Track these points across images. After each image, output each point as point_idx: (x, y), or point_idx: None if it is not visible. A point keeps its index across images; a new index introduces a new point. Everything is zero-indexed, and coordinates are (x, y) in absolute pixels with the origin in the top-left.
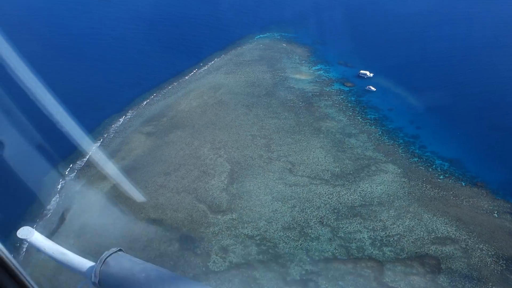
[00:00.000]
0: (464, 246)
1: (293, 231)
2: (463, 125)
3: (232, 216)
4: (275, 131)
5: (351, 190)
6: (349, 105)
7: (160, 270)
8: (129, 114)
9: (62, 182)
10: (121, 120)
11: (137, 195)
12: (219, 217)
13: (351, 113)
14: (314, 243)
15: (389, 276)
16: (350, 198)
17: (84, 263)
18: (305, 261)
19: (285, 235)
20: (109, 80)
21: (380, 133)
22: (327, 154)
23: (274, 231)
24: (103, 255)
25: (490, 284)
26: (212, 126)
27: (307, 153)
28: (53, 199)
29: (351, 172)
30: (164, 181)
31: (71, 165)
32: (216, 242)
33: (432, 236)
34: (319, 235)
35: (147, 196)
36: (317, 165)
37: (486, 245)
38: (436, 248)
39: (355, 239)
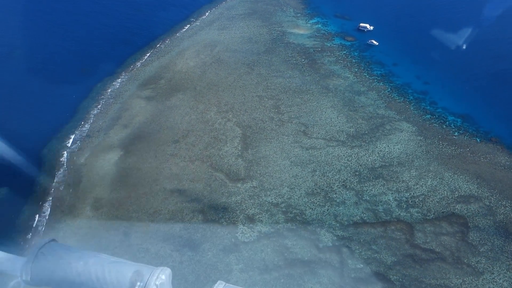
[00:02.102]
0: (488, 203)
1: (318, 197)
2: (471, 79)
3: (252, 184)
4: (281, 91)
5: (369, 151)
6: (353, 61)
7: (99, 255)
8: (122, 77)
9: (66, 154)
10: (115, 84)
11: (147, 166)
12: (239, 185)
13: (356, 70)
14: (341, 208)
15: (420, 238)
16: (369, 160)
17: (14, 260)
18: (334, 226)
19: (310, 201)
20: (95, 40)
21: (389, 90)
22: (339, 114)
23: (298, 197)
24: (33, 249)
25: None
26: (215, 88)
27: (319, 114)
28: (59, 173)
29: (367, 132)
30: (175, 150)
31: (71, 136)
32: (241, 211)
33: (455, 195)
34: (345, 199)
35: (159, 166)
36: (331, 126)
37: (509, 202)
38: (461, 207)
39: (381, 201)
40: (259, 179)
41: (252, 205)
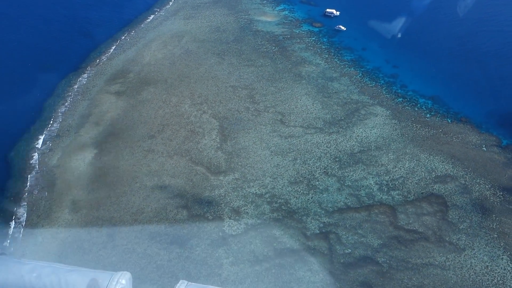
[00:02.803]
0: (463, 182)
1: (301, 185)
2: (438, 61)
3: (234, 176)
4: (255, 80)
5: (347, 137)
6: (323, 47)
7: (53, 265)
8: (88, 72)
9: (36, 156)
10: (81, 79)
11: (125, 163)
12: (221, 178)
13: (327, 56)
14: (325, 195)
15: (403, 220)
16: (348, 145)
17: None
18: (320, 214)
19: (293, 190)
20: (55, 33)
21: (360, 75)
22: (314, 101)
23: (282, 187)
24: None
25: (493, 215)
26: (187, 80)
27: (294, 102)
28: (30, 176)
29: (343, 118)
30: (151, 145)
31: (40, 137)
32: (226, 204)
33: (433, 176)
34: (327, 186)
35: (137, 163)
36: (307, 113)
37: (483, 179)
38: (439, 187)
39: (362, 186)
40: (240, 171)
41: (236, 197)
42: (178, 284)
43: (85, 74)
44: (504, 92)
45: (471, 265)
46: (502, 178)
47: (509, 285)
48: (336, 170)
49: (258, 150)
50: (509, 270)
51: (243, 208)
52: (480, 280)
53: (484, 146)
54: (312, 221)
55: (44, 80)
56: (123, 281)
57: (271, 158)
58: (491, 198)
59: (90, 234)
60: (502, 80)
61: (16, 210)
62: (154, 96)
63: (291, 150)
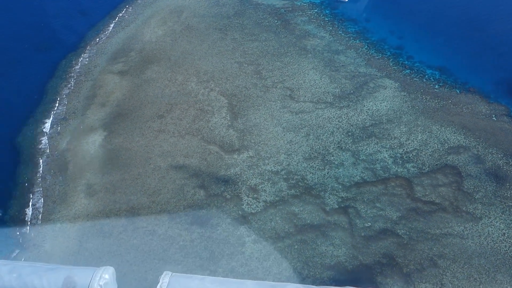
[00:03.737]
0: (476, 152)
1: (316, 161)
2: (443, 30)
3: (249, 154)
4: (260, 56)
5: (358, 111)
6: (326, 19)
7: (33, 265)
8: (88, 52)
9: (44, 140)
10: (82, 59)
11: (136, 145)
12: (236, 156)
13: (331, 28)
14: (340, 170)
15: (419, 192)
16: (359, 119)
17: None
18: (337, 188)
19: (309, 166)
20: (50, 11)
21: (366, 47)
22: (322, 75)
23: (297, 163)
24: None
25: (507, 184)
26: (190, 57)
27: (302, 76)
28: (41, 161)
29: (352, 92)
30: (161, 125)
31: (46, 120)
32: (243, 183)
33: (446, 147)
34: (342, 161)
35: (148, 144)
36: (316, 88)
37: (495, 149)
38: (452, 158)
39: (377, 159)
40: (254, 148)
41: (253, 175)
42: (162, 275)
43: (85, 54)
44: (510, 60)
45: (488, 233)
46: None
47: None
48: (350, 145)
49: (270, 126)
50: None
51: (260, 186)
52: (498, 247)
53: (494, 116)
54: (330, 196)
55: (44, 61)
56: (106, 276)
57: (284, 135)
58: (504, 167)
59: (108, 217)
60: (508, 48)
61: (31, 196)
62: (158, 74)
63: (303, 125)
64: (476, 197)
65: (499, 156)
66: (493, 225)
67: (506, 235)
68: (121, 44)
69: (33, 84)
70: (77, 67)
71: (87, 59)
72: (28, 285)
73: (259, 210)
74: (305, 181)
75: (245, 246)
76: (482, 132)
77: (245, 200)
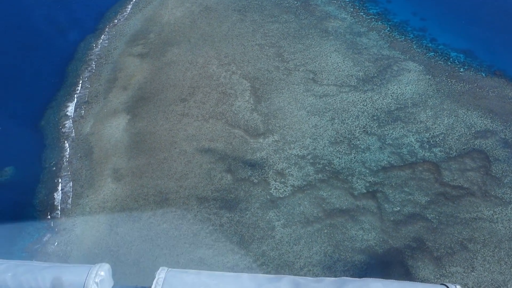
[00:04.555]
0: (503, 136)
1: (342, 145)
2: (467, 12)
3: (274, 138)
4: (281, 38)
5: (382, 94)
6: (347, 0)
7: (29, 264)
8: (107, 34)
9: (68, 124)
10: (101, 42)
11: (160, 129)
12: (261, 140)
13: (351, 9)
14: (367, 154)
15: (447, 176)
16: (384, 103)
17: None
18: (365, 173)
19: (335, 150)
20: None
21: (388, 29)
22: (344, 58)
23: (323, 147)
24: None
25: None
26: (210, 39)
27: (324, 59)
28: (66, 145)
29: (376, 75)
30: (184, 109)
31: (68, 104)
32: (269, 167)
33: (472, 131)
34: (368, 145)
35: (173, 128)
36: (339, 71)
37: None
38: (480, 142)
39: (403, 144)
40: (279, 132)
41: (279, 159)
42: (158, 271)
43: (104, 36)
44: None
45: None
46: None
47: None
48: (376, 129)
49: (294, 110)
50: None
51: (287, 170)
52: None
53: None
54: (358, 180)
55: (62, 43)
56: (102, 273)
57: (308, 119)
58: None
59: (137, 202)
60: None
61: (59, 180)
62: (179, 57)
63: (328, 109)
64: (504, 182)
65: None
66: None
67: None
68: (139, 26)
69: (53, 66)
70: (97, 49)
71: (107, 42)
72: (24, 284)
73: (287, 194)
74: (332, 165)
75: (275, 230)
76: (509, 116)
77: (272, 185)
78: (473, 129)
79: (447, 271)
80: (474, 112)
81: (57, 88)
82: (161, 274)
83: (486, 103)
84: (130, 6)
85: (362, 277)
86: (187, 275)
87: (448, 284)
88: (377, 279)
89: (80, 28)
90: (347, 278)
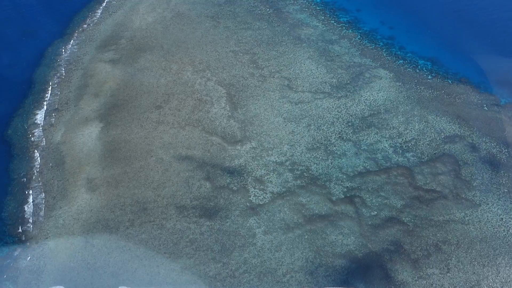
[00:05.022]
0: (471, 141)
1: (319, 151)
2: (432, 21)
3: (252, 145)
4: (255, 45)
5: (356, 101)
6: (318, 8)
7: None
8: (76, 39)
9: (37, 133)
10: (70, 47)
11: (135, 137)
12: (239, 147)
13: (323, 17)
14: (343, 160)
15: (420, 180)
16: (358, 109)
17: None
18: (342, 178)
19: (312, 156)
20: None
21: (359, 37)
22: (318, 65)
23: (300, 154)
24: None
25: (502, 171)
26: (184, 45)
27: (298, 66)
28: (36, 155)
29: (349, 82)
30: (160, 116)
31: (37, 112)
32: (248, 174)
33: (442, 136)
34: (345, 151)
35: (148, 136)
36: (313, 78)
37: (488, 137)
38: (449, 147)
39: (378, 149)
40: (257, 139)
41: (257, 166)
42: None
43: (73, 41)
44: (498, 51)
45: (487, 219)
46: (504, 135)
47: None
48: (351, 135)
49: (271, 117)
50: None
51: (266, 177)
52: (497, 231)
53: (485, 105)
54: (336, 186)
55: (29, 48)
56: None
57: (285, 125)
58: (498, 155)
59: (113, 212)
60: (496, 39)
61: (29, 192)
62: (152, 63)
63: (304, 116)
64: (474, 185)
65: (493, 144)
66: (491, 211)
67: (503, 220)
68: (110, 31)
69: (20, 73)
70: (66, 55)
71: (76, 47)
72: None
73: (267, 201)
74: (310, 171)
75: (256, 238)
76: (475, 121)
77: (252, 192)
78: (442, 134)
79: (424, 273)
80: (443, 118)
81: (24, 95)
82: None
83: (454, 109)
84: (99, 11)
85: (344, 282)
86: None
87: None
88: None
89: (47, 33)
90: None
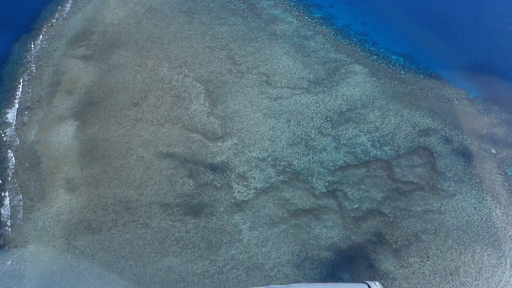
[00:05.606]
0: (444, 134)
1: (300, 146)
2: (403, 17)
3: (233, 141)
4: (231, 40)
5: (333, 96)
6: (291, 3)
7: None
8: (44, 34)
9: (10, 132)
10: (38, 43)
11: (113, 135)
12: (220, 144)
13: (297, 13)
14: (324, 155)
15: (398, 172)
16: (336, 104)
17: None
18: (323, 173)
19: (294, 152)
20: None
21: (333, 33)
22: (294, 60)
23: (282, 149)
24: None
25: (474, 162)
26: (158, 41)
27: (275, 62)
28: (9, 155)
29: (325, 77)
30: (138, 114)
31: (8, 110)
32: (231, 171)
33: (417, 130)
34: (325, 145)
35: (127, 134)
36: (290, 73)
37: (459, 130)
38: (424, 140)
39: (357, 143)
40: (237, 136)
41: (240, 162)
42: None
43: (41, 37)
44: (466, 46)
45: (462, 208)
46: (475, 128)
47: (494, 221)
48: (330, 130)
49: (251, 113)
50: (492, 209)
51: (248, 173)
52: (472, 220)
53: (455, 99)
54: (318, 180)
55: None
56: None
57: (265, 121)
58: (469, 147)
59: (95, 213)
60: (465, 34)
61: (5, 194)
62: (127, 59)
63: (283, 111)
64: (448, 176)
65: (464, 137)
66: (466, 200)
67: (477, 209)
68: (80, 26)
69: None
70: (35, 51)
71: (45, 42)
72: None
73: (251, 197)
74: (292, 166)
75: (242, 234)
76: (447, 115)
77: (235, 188)
78: (417, 127)
79: (406, 262)
80: (417, 112)
81: None
82: None
83: (427, 103)
84: (68, 5)
85: (330, 274)
86: None
87: (368, 282)
88: (302, 283)
89: (13, 28)
90: (274, 286)
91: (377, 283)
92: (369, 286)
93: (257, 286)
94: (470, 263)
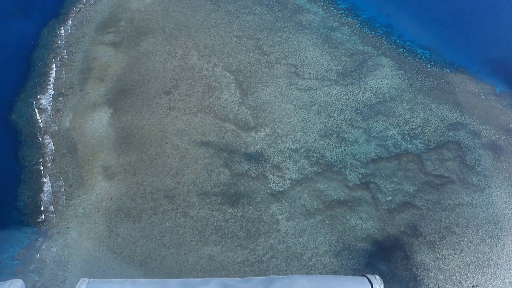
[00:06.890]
0: (472, 128)
1: (332, 138)
2: (428, 9)
3: (266, 132)
4: (258, 30)
5: (362, 88)
6: None
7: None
8: (72, 20)
9: (44, 118)
10: (67, 28)
11: (147, 123)
12: (253, 134)
13: (322, 4)
14: (356, 147)
15: (429, 166)
16: (365, 97)
17: None
18: (356, 165)
19: (326, 143)
20: None
21: (359, 24)
22: (322, 52)
23: (314, 141)
24: None
25: (502, 157)
26: (186, 29)
27: (303, 53)
28: (45, 141)
29: (353, 69)
30: (170, 102)
31: (41, 96)
32: (265, 161)
33: (445, 124)
34: (356, 138)
35: (161, 122)
36: (319, 65)
37: (487, 125)
38: (453, 134)
39: (387, 136)
40: (270, 126)
41: (273, 153)
42: (79, 283)
43: (69, 22)
44: (493, 41)
45: (493, 202)
46: (502, 123)
47: None
48: (360, 122)
49: (282, 104)
50: None
51: (283, 164)
52: (502, 214)
53: (482, 94)
54: (351, 172)
55: (23, 29)
56: None
57: (296, 112)
58: (497, 141)
59: (134, 200)
60: (492, 28)
61: (44, 180)
62: (155, 47)
63: (313, 103)
64: (478, 170)
65: (492, 132)
66: (496, 194)
67: (507, 203)
68: (107, 12)
69: (16, 55)
70: (63, 36)
71: (74, 28)
72: None
73: (286, 188)
74: (325, 158)
75: (279, 224)
76: (475, 109)
77: (271, 179)
78: (446, 122)
79: (440, 254)
80: (445, 106)
81: (24, 79)
82: (82, 286)
83: (454, 97)
84: None
85: (367, 264)
86: (110, 285)
87: (368, 276)
88: (303, 275)
89: (41, 13)
90: (275, 276)
91: (377, 276)
92: (368, 279)
93: (260, 276)
94: (501, 256)
